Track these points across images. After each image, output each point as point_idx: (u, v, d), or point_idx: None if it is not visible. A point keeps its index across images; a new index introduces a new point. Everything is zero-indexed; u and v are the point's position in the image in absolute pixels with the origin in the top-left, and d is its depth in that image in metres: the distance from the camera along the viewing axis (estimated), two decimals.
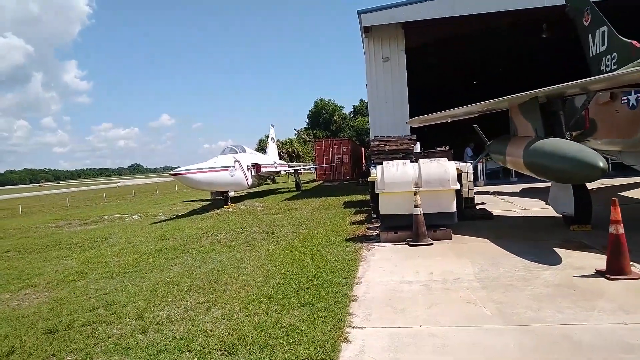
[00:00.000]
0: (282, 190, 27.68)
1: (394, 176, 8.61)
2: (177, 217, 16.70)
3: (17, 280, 7.54)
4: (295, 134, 78.97)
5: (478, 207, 11.55)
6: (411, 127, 17.09)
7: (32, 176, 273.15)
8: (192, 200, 23.83)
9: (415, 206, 8.26)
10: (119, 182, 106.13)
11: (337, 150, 33.95)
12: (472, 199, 11.30)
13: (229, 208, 17.86)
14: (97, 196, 40.39)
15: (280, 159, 59.47)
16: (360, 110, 79.46)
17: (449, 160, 9.01)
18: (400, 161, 9.00)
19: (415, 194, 8.32)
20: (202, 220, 14.76)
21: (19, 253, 10.39)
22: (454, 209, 8.68)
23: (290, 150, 73.75)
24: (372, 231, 9.90)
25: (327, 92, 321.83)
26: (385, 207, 8.72)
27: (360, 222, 11.21)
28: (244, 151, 20.92)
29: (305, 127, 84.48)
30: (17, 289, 7.01)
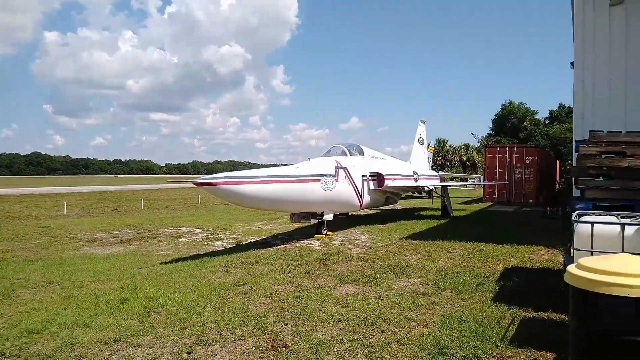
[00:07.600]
0: (428, 211, 19.95)
1: None
2: (236, 246, 11.06)
3: None
4: (478, 141, 67.54)
5: None
6: None
7: (233, 167, 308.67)
8: None
9: None
10: None
11: (517, 161, 24.36)
12: None
13: (317, 240, 11.45)
14: None
15: (441, 168, 50.42)
16: (559, 116, 63.64)
17: None
18: None
19: None
20: (241, 266, 8.65)
21: None
22: None
23: (464, 158, 63.66)
24: None
25: (518, 95, 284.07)
26: None
27: None
28: (361, 153, 14.11)
29: (488, 134, 72.42)
30: None
